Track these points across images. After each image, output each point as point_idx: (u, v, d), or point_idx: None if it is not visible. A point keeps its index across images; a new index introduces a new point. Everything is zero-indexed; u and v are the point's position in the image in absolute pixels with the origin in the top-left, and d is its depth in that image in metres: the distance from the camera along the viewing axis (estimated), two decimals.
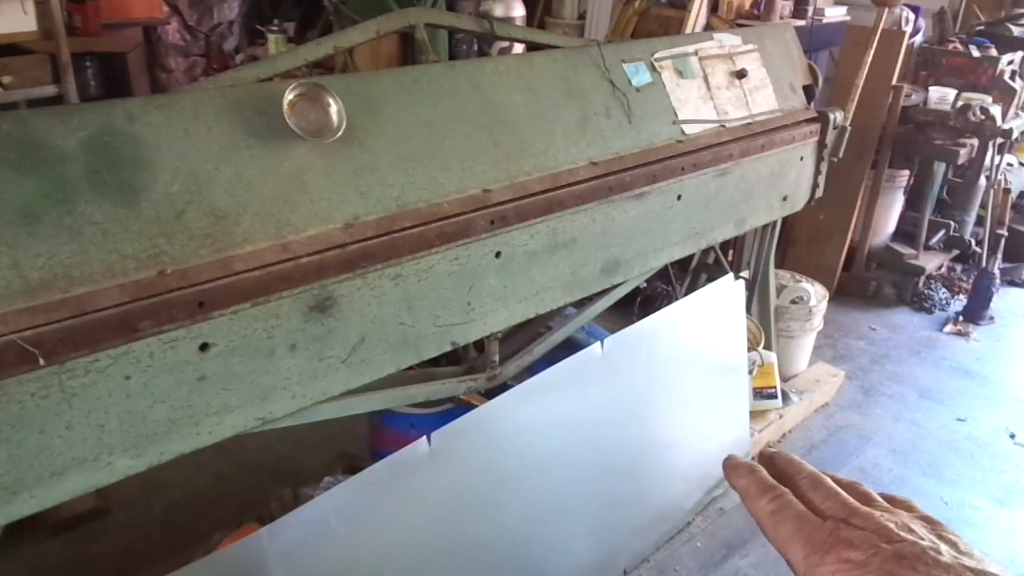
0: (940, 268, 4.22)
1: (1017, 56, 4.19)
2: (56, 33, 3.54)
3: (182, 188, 1.12)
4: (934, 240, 4.10)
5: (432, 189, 1.40)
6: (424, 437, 1.51)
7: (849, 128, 2.38)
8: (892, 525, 0.44)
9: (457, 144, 1.45)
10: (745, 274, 2.68)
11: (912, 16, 4.04)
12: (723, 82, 2.03)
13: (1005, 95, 3.92)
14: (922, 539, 0.43)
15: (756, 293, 2.72)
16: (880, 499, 0.48)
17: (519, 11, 4.87)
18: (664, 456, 2.23)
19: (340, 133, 1.25)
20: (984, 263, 4.01)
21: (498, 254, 1.50)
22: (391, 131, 1.37)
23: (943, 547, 0.42)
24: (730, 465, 0.54)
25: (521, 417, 1.70)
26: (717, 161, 1.93)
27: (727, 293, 2.24)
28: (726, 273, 2.32)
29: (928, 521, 0.45)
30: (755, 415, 2.66)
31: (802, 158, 2.29)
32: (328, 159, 1.28)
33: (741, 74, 2.06)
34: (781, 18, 4.18)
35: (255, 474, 2.45)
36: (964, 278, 4.26)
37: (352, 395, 1.40)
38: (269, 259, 1.17)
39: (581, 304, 1.91)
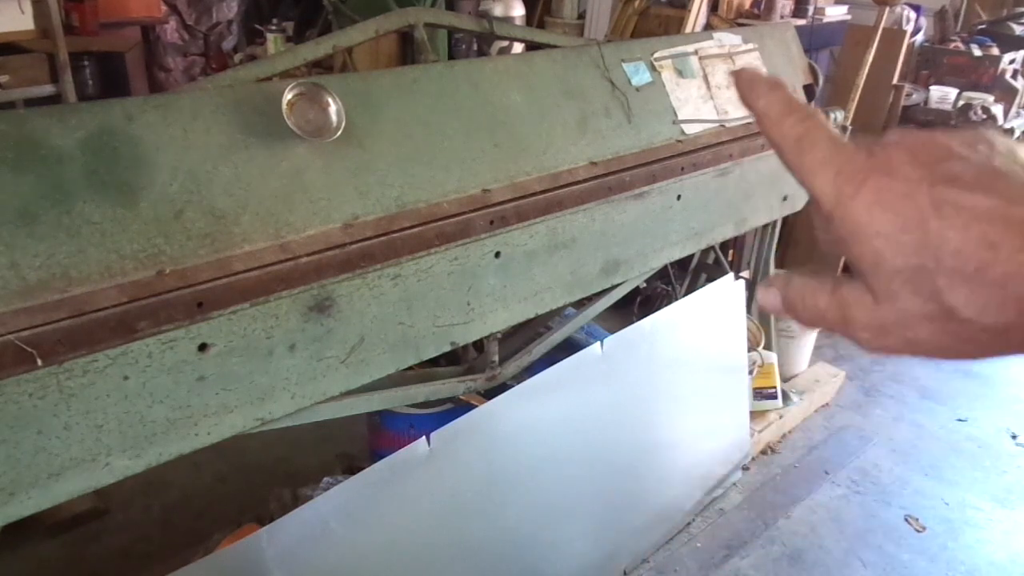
0: None
1: (1019, 55, 4.18)
2: (54, 32, 3.55)
3: (181, 188, 1.11)
4: None
5: (431, 189, 1.39)
6: (423, 437, 1.51)
7: (850, 127, 2.37)
8: (948, 144, 0.35)
9: (456, 144, 1.45)
10: (745, 274, 2.68)
11: (913, 15, 4.03)
12: (723, 82, 2.02)
13: (1007, 94, 3.92)
14: (983, 156, 0.34)
15: (756, 293, 2.71)
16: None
17: (519, 11, 4.86)
18: (664, 456, 2.23)
19: (339, 133, 1.25)
20: None
21: (498, 254, 1.50)
22: (390, 131, 1.36)
23: (1009, 163, 0.33)
24: (745, 80, 0.40)
25: (520, 417, 1.70)
26: (717, 161, 1.92)
27: (727, 293, 2.24)
28: (726, 273, 2.32)
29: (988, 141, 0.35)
30: (755, 415, 2.66)
31: None
32: (327, 159, 1.27)
33: None
34: (781, 17, 4.17)
35: (255, 474, 2.44)
36: None
37: (351, 395, 1.40)
38: (268, 259, 1.16)
39: (581, 304, 1.91)
